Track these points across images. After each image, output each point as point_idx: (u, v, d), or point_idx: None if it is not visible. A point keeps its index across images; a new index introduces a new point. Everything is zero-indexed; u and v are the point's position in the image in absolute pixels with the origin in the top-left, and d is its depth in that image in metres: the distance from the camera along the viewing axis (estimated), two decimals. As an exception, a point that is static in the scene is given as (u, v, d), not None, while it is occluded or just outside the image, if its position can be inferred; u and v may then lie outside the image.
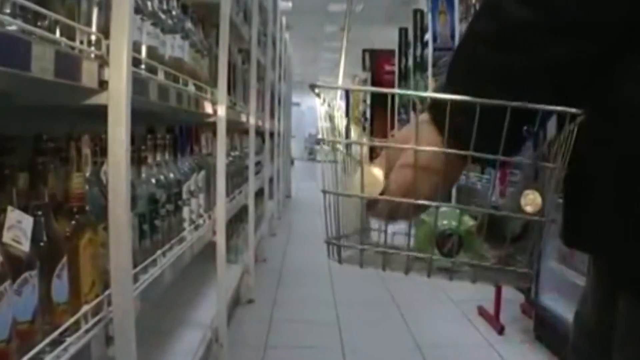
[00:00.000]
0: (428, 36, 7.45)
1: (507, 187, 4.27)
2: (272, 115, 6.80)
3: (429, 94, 0.94)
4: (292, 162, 16.01)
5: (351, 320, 4.14)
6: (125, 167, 1.46)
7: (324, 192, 0.97)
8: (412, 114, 9.11)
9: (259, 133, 5.49)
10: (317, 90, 0.95)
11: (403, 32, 10.73)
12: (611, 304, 1.04)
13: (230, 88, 3.51)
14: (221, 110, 2.90)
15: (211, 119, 2.88)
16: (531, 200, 0.95)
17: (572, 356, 1.22)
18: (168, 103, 1.93)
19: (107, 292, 1.48)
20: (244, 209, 4.38)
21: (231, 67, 3.47)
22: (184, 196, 2.33)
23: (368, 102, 13.37)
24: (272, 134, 7.08)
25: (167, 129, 2.31)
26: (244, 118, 4.10)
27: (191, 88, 2.35)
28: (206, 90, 2.68)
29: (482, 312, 4.20)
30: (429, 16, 7.34)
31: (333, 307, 4.42)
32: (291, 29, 12.21)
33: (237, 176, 3.93)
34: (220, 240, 2.93)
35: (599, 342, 1.09)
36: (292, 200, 11.33)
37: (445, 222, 1.02)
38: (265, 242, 6.09)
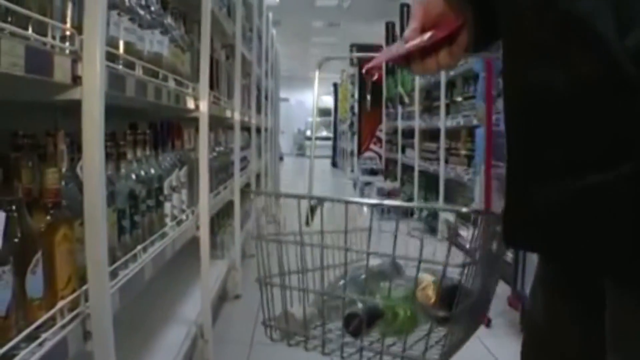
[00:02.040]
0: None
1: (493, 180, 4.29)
2: (258, 111, 6.79)
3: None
4: (281, 158, 16.03)
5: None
6: (100, 163, 1.45)
7: (259, 282, 1.32)
8: (399, 108, 9.14)
9: (245, 128, 5.48)
10: (252, 196, 1.00)
11: (390, 26, 10.74)
12: (561, 297, 1.03)
13: (214, 83, 3.51)
14: (203, 106, 2.90)
15: (193, 115, 2.87)
16: (425, 294, 1.06)
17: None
18: (146, 98, 1.92)
19: (84, 288, 1.47)
20: (230, 205, 4.37)
21: (214, 63, 3.46)
22: (165, 192, 2.32)
23: (356, 96, 13.40)
24: (259, 130, 7.06)
25: (149, 125, 2.31)
26: (228, 113, 4.09)
27: (171, 83, 2.34)
28: (187, 85, 2.67)
29: (468, 304, 4.20)
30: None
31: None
32: (278, 25, 12.20)
33: (222, 172, 3.92)
34: (204, 235, 2.93)
35: (548, 339, 1.07)
36: (281, 196, 11.29)
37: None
38: (254, 238, 6.07)
